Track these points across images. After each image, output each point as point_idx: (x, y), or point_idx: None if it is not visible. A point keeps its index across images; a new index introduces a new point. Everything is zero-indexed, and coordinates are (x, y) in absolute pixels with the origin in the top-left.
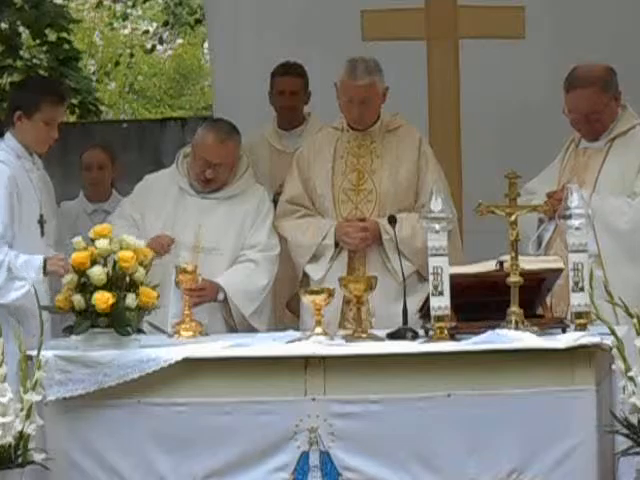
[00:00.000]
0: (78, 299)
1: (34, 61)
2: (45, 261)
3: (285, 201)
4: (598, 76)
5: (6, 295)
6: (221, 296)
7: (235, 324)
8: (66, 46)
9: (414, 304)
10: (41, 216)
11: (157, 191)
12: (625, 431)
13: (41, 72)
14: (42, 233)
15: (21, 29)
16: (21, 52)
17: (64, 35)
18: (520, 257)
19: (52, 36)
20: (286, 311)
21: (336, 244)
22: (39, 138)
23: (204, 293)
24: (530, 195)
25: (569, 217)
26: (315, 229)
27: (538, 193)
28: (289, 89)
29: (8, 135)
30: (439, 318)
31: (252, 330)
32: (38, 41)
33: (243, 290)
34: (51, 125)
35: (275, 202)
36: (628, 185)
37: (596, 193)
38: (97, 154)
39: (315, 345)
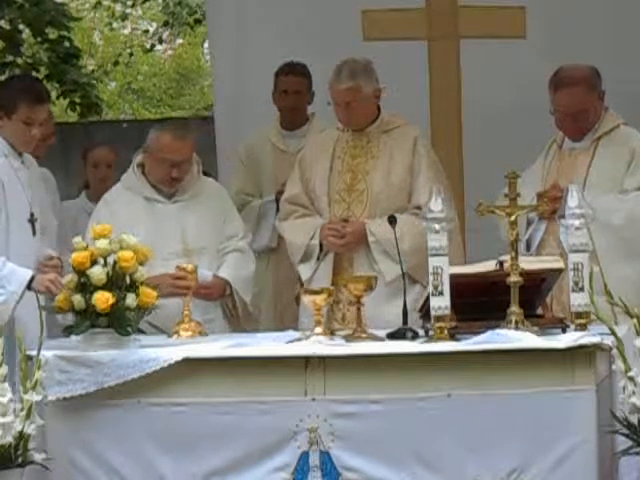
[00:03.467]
0: (78, 299)
1: (35, 58)
2: (33, 277)
3: (285, 200)
4: (585, 75)
5: None
6: (228, 290)
7: (238, 314)
8: (66, 44)
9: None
10: (31, 215)
11: (122, 208)
12: (625, 431)
13: (42, 69)
14: (34, 232)
15: (22, 27)
16: (22, 49)
17: (64, 33)
18: (520, 257)
19: (52, 35)
20: (286, 311)
21: (322, 244)
22: (20, 138)
23: (211, 291)
24: None
25: (570, 217)
26: (306, 229)
27: (523, 196)
28: (293, 88)
29: None
30: (439, 318)
31: (250, 319)
32: (39, 39)
33: (241, 279)
34: (31, 125)
35: (277, 201)
36: (617, 183)
37: (587, 191)
38: (106, 152)
39: (315, 345)
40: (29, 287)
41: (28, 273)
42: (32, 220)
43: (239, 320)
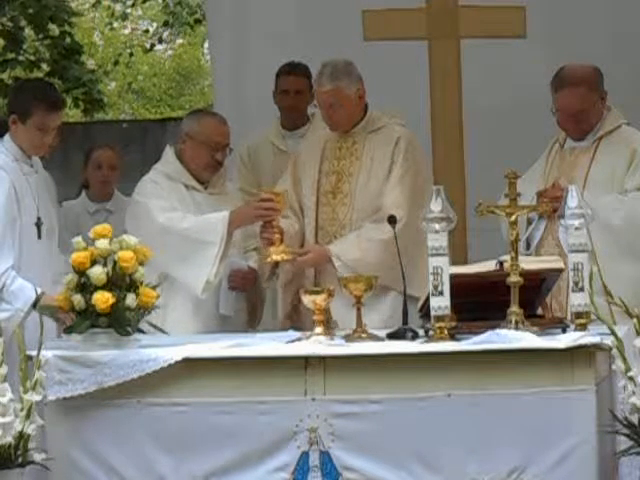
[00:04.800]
0: (78, 299)
1: (37, 55)
2: (39, 297)
3: None
4: (587, 76)
5: None
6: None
7: (256, 311)
8: (68, 40)
9: (382, 314)
10: (38, 219)
11: (170, 191)
12: (625, 431)
13: (44, 66)
14: (39, 236)
15: (23, 23)
16: (24, 46)
17: (65, 29)
18: (520, 257)
19: (53, 32)
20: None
21: None
22: (32, 143)
23: (249, 278)
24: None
25: (569, 217)
26: None
27: (524, 195)
28: (294, 88)
29: (7, 138)
30: (439, 318)
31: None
32: (40, 35)
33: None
34: (45, 131)
35: None
36: (618, 183)
37: (587, 191)
38: (109, 154)
39: (315, 345)
40: (35, 305)
41: (35, 291)
42: (38, 224)
43: (256, 317)
